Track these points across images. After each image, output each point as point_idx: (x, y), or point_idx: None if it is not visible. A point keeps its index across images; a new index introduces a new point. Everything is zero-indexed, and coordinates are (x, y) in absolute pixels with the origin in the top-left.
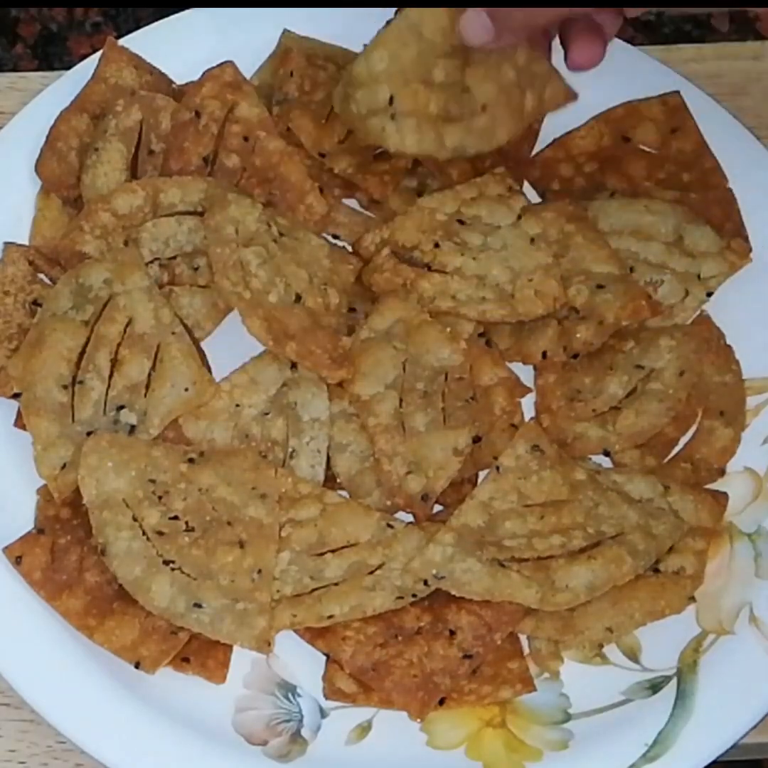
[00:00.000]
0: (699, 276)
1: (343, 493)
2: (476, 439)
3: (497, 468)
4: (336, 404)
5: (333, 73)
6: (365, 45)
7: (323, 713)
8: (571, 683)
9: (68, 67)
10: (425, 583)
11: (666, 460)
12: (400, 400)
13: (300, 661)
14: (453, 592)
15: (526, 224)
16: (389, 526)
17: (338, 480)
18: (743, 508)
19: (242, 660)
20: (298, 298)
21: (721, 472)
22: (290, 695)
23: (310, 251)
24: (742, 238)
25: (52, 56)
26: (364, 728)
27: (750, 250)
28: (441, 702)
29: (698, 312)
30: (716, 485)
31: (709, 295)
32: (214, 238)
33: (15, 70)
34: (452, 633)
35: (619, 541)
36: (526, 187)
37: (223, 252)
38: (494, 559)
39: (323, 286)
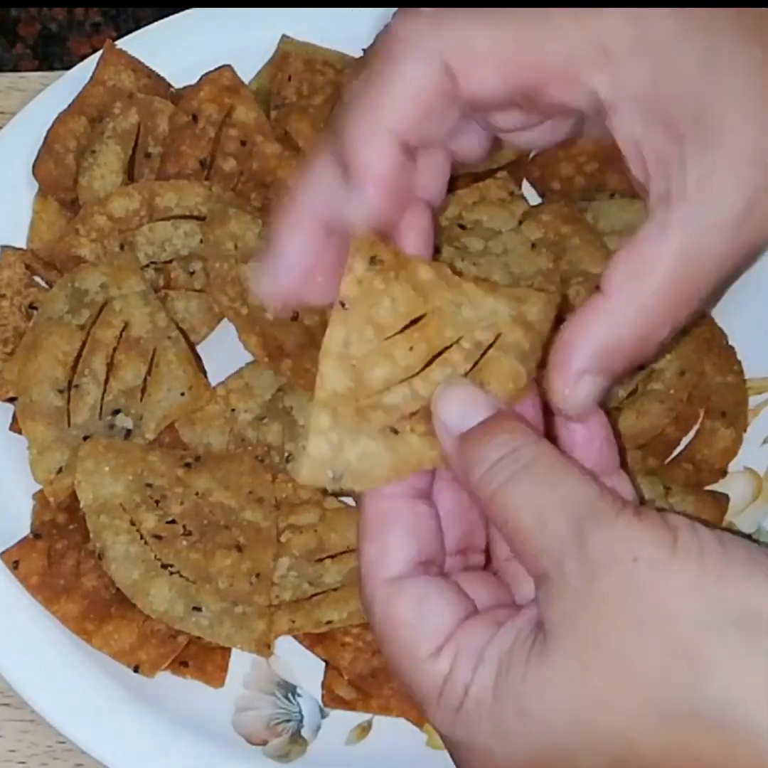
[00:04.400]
0: None
1: (345, 498)
2: None
3: (342, 304)
4: None
5: (331, 78)
6: (364, 50)
7: (323, 713)
8: None
9: (68, 67)
10: (325, 492)
11: (667, 460)
12: None
13: (300, 662)
14: (356, 489)
15: (527, 229)
16: None
17: None
18: (743, 509)
19: (242, 660)
20: (296, 315)
21: (723, 473)
22: (290, 695)
23: None
24: None
25: (52, 56)
26: (365, 728)
27: None
28: None
29: None
30: (716, 486)
31: None
32: (213, 253)
33: (15, 70)
34: None
35: (499, 346)
36: (526, 186)
37: (221, 267)
38: (385, 427)
39: None
